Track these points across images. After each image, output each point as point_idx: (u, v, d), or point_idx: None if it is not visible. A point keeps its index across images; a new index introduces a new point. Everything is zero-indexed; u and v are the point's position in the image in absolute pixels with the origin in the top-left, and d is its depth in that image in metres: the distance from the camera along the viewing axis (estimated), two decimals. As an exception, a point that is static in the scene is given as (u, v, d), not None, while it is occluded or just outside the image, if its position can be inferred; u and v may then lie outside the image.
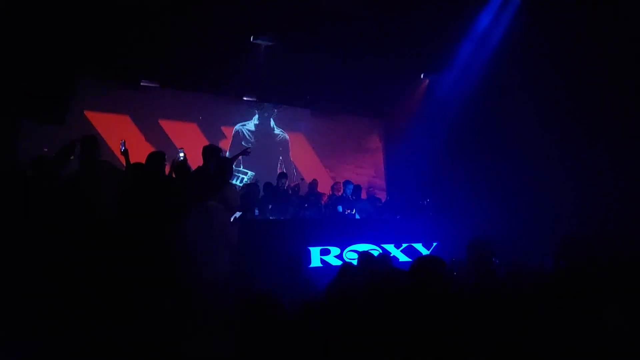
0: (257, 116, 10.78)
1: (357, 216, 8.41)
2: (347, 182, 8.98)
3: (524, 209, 8.48)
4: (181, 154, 5.67)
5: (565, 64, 7.99)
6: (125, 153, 5.78)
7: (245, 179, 10.09)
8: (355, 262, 4.99)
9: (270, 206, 8.03)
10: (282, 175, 8.87)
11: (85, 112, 8.93)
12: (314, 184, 9.27)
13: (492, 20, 8.77)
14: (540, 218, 8.11)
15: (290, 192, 8.81)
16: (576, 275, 3.33)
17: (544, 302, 2.75)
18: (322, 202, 8.83)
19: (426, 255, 3.13)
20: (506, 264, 4.32)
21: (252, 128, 10.74)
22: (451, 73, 9.62)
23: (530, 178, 8.63)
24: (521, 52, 8.50)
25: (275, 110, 10.96)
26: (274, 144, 10.99)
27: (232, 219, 4.82)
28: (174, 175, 5.60)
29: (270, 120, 10.93)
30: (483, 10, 8.71)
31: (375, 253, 7.16)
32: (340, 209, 8.49)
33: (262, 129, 10.87)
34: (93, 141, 5.38)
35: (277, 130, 11.02)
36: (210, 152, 5.82)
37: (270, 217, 7.86)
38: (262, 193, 8.34)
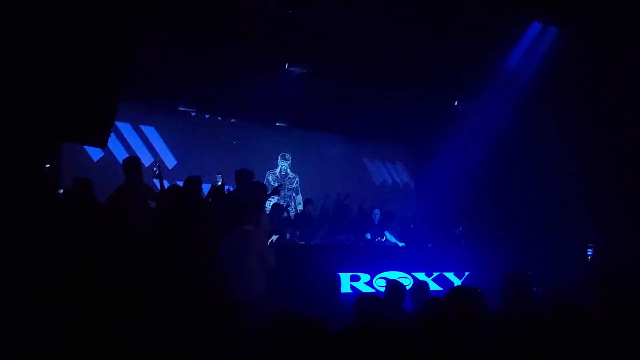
0: (279, 167, 11.10)
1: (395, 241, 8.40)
2: (374, 208, 8.99)
3: (557, 241, 8.35)
4: (219, 179, 5.80)
5: (601, 97, 7.95)
6: (159, 176, 5.93)
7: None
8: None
9: (298, 232, 8.10)
10: (308, 201, 8.96)
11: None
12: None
13: (529, 49, 8.75)
14: (574, 249, 7.98)
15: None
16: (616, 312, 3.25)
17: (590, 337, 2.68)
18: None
19: (461, 286, 3.11)
20: (547, 295, 4.26)
21: (278, 174, 11.05)
22: (485, 101, 9.60)
23: (562, 208, 8.52)
24: (556, 84, 8.47)
25: (290, 157, 11.19)
26: (289, 183, 11.24)
27: (269, 243, 4.89)
28: (210, 200, 5.72)
29: (287, 167, 11.21)
30: (520, 38, 8.71)
31: (407, 281, 7.20)
32: (368, 236, 8.51)
33: (283, 173, 11.16)
34: (134, 163, 5.53)
35: (291, 175, 11.25)
36: (243, 176, 5.93)
37: (300, 242, 7.92)
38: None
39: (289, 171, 11.13)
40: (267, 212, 7.02)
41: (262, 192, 5.84)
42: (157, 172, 5.90)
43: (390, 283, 5.02)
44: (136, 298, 2.75)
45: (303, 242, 7.94)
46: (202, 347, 2.63)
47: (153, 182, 6.11)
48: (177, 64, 8.17)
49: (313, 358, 2.06)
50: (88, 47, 3.80)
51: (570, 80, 8.26)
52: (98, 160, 8.94)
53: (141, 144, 9.44)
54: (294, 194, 10.99)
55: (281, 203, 10.03)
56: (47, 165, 5.17)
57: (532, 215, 8.85)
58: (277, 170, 10.98)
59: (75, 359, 2.25)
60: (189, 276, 4.38)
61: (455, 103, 10.70)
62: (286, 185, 10.98)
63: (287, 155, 11.13)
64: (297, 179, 11.18)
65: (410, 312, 5.22)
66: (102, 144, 4.57)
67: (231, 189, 6.24)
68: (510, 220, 9.06)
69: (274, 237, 5.00)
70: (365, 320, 3.24)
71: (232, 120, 10.40)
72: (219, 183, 5.99)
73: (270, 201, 8.47)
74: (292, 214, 9.33)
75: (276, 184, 10.83)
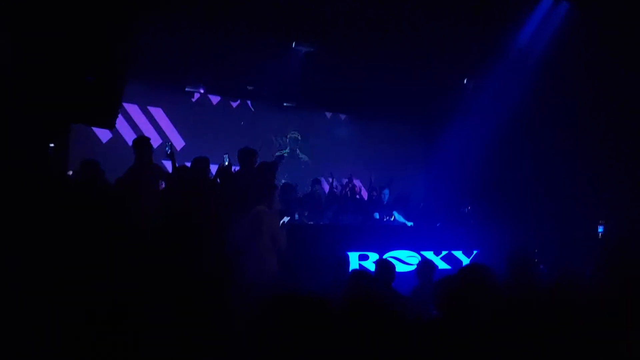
0: (288, 147, 11.10)
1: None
2: (383, 188, 8.98)
3: (568, 217, 8.32)
4: (226, 159, 5.80)
5: (613, 72, 7.83)
6: (171, 156, 5.93)
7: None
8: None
9: (306, 213, 8.12)
10: (316, 182, 8.97)
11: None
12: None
13: (539, 24, 8.61)
14: (583, 226, 7.95)
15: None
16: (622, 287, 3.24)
17: (590, 314, 2.68)
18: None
19: (473, 264, 3.10)
20: (554, 271, 4.25)
21: (285, 154, 10.93)
22: (495, 78, 9.48)
23: (573, 186, 8.47)
24: (567, 60, 8.35)
25: (300, 138, 11.16)
26: (298, 164, 11.21)
27: (280, 224, 4.90)
28: (218, 180, 5.73)
29: (296, 149, 11.20)
30: (531, 14, 8.55)
31: (415, 260, 7.22)
32: (377, 215, 8.52)
33: (292, 154, 11.16)
34: (145, 143, 5.54)
35: (301, 155, 11.24)
36: (247, 155, 5.92)
37: (309, 222, 7.94)
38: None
39: (298, 151, 11.11)
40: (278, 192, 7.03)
41: (272, 172, 5.84)
42: (168, 152, 5.91)
43: (380, 262, 5.06)
44: (147, 279, 2.77)
45: (312, 223, 7.96)
46: (213, 328, 2.66)
47: (162, 162, 6.14)
48: (183, 45, 8.14)
49: (314, 333, 2.06)
50: (95, 28, 3.78)
51: (582, 56, 8.13)
52: (107, 142, 8.98)
53: (149, 126, 9.46)
54: (302, 175, 10.99)
55: (290, 182, 10.04)
56: (52, 145, 5.18)
57: (542, 193, 8.80)
58: (286, 150, 10.96)
59: (86, 338, 2.28)
60: (201, 257, 4.40)
61: (465, 81, 10.59)
62: (294, 166, 10.98)
63: (296, 134, 11.10)
64: (306, 159, 11.16)
65: (413, 289, 5.26)
66: (110, 125, 4.57)
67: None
68: (519, 199, 9.02)
69: (286, 219, 5.02)
70: (357, 295, 3.27)
71: (240, 100, 10.38)
72: (226, 163, 5.98)
73: (281, 181, 8.47)
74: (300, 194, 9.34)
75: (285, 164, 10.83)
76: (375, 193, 9.12)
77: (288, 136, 11.05)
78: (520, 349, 2.25)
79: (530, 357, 2.25)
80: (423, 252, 7.67)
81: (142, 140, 5.68)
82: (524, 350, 2.26)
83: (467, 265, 2.69)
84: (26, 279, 2.89)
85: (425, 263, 5.76)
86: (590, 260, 6.07)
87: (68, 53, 3.75)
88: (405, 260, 7.45)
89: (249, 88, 9.83)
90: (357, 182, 10.71)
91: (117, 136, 8.98)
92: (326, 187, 9.77)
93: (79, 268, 3.04)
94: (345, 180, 9.53)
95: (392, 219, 8.41)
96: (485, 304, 2.37)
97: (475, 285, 2.44)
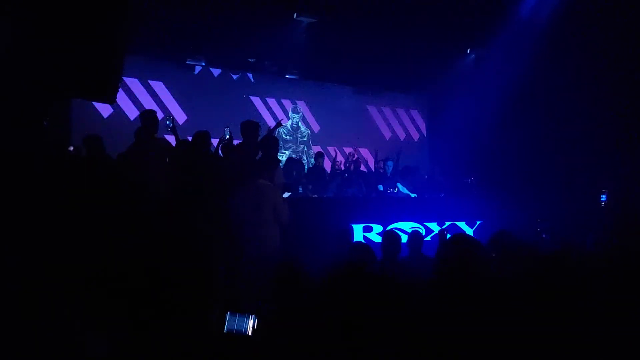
0: (291, 120, 11.00)
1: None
2: (387, 160, 8.96)
3: (570, 186, 8.31)
4: (227, 132, 5.76)
5: (618, 41, 7.71)
6: (173, 130, 5.90)
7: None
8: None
9: (310, 186, 8.12)
10: (320, 155, 8.94)
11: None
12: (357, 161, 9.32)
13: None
14: (586, 195, 7.94)
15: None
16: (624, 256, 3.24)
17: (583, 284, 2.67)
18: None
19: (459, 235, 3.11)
20: (557, 241, 4.26)
21: (289, 127, 10.96)
22: (500, 48, 9.35)
23: (575, 154, 8.43)
24: (571, 29, 8.21)
25: (301, 111, 11.10)
26: (302, 136, 11.14)
27: (283, 197, 4.90)
28: (220, 153, 5.71)
29: (299, 121, 11.12)
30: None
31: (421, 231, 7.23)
32: (381, 187, 8.51)
33: (294, 126, 11.08)
34: (151, 117, 5.50)
35: (303, 129, 11.16)
36: (250, 128, 5.87)
37: (313, 195, 7.94)
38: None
39: (300, 124, 11.06)
40: (282, 166, 7.02)
41: (275, 146, 5.81)
42: (170, 126, 5.87)
43: (386, 233, 5.08)
44: (149, 252, 2.78)
45: (316, 196, 7.97)
46: (213, 301, 2.67)
47: (165, 137, 6.10)
48: (183, 17, 8.02)
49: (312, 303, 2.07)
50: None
51: (587, 25, 7.99)
52: (108, 117, 8.95)
53: (150, 100, 9.40)
54: (305, 148, 10.96)
55: (293, 156, 10.04)
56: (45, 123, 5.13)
57: (545, 163, 8.77)
58: (289, 124, 10.91)
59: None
60: (202, 230, 4.41)
61: (468, 51, 10.46)
62: (298, 138, 10.95)
63: (299, 108, 11.04)
64: (309, 132, 11.12)
65: (401, 259, 5.26)
66: (111, 99, 4.54)
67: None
68: (522, 169, 8.99)
69: (287, 194, 5.01)
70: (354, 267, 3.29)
71: (241, 73, 10.28)
72: (227, 136, 5.95)
73: (284, 154, 8.46)
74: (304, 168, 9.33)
75: (289, 138, 10.79)
76: (380, 166, 9.12)
77: (291, 109, 10.98)
78: (521, 314, 2.25)
79: (530, 323, 2.25)
80: (427, 223, 7.70)
81: (147, 114, 5.64)
82: (525, 315, 2.27)
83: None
84: (33, 257, 2.91)
85: (415, 234, 5.81)
86: (592, 229, 6.08)
87: (65, 24, 3.69)
88: (408, 231, 7.48)
89: (251, 60, 9.73)
90: (363, 151, 10.73)
91: (118, 111, 8.93)
92: (329, 163, 9.74)
93: (77, 239, 3.03)
94: (350, 152, 9.53)
95: (396, 191, 8.41)
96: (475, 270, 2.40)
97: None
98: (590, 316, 2.24)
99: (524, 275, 2.74)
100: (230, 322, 3.15)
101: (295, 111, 11.01)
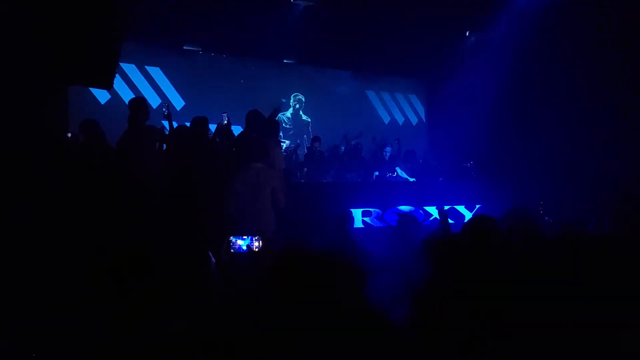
0: (291, 109, 10.96)
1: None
2: (386, 145, 8.96)
3: (572, 169, 8.29)
4: (225, 118, 5.75)
5: (620, 26, 7.66)
6: (168, 117, 5.87)
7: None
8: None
9: (305, 169, 8.11)
10: (316, 139, 8.91)
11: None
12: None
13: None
14: (587, 179, 7.94)
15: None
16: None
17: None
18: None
19: (478, 215, 3.09)
20: (560, 224, 4.26)
21: (289, 115, 10.91)
22: (498, 31, 9.29)
23: (576, 138, 8.41)
24: (572, 13, 8.15)
25: (304, 100, 11.03)
26: (302, 125, 11.07)
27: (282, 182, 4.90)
28: (217, 139, 5.70)
29: (300, 109, 11.06)
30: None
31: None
32: (377, 173, 8.53)
33: (295, 115, 11.02)
34: (141, 105, 5.47)
35: (304, 117, 11.10)
36: (256, 118, 5.85)
37: (310, 180, 7.95)
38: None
39: (301, 112, 11.00)
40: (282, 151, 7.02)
41: (276, 130, 5.80)
42: (166, 113, 5.84)
43: (401, 215, 5.09)
44: (147, 237, 2.79)
45: (314, 180, 7.97)
46: (211, 286, 2.68)
47: (162, 123, 6.07)
48: (180, 2, 7.96)
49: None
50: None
51: (588, 8, 7.93)
52: (105, 103, 8.91)
53: (147, 86, 9.36)
54: (304, 136, 10.91)
55: (292, 145, 9.99)
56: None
57: (545, 146, 8.75)
58: (289, 112, 10.86)
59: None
60: (200, 217, 4.43)
61: (467, 33, 10.39)
62: (299, 127, 10.91)
63: (300, 96, 10.98)
64: (310, 121, 11.05)
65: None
66: (108, 85, 4.52)
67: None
68: (522, 151, 8.98)
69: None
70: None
71: (239, 58, 10.22)
72: (225, 122, 5.93)
73: (284, 143, 8.45)
74: (303, 154, 9.29)
75: (289, 126, 10.75)
76: (378, 151, 9.12)
77: (292, 97, 10.92)
78: (524, 298, 2.26)
79: (533, 307, 2.26)
80: (426, 207, 7.71)
81: (136, 101, 5.59)
82: (527, 299, 2.28)
83: (474, 217, 2.72)
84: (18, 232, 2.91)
85: (404, 216, 5.84)
86: (594, 212, 6.10)
87: (62, 11, 3.67)
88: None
89: (248, 45, 9.66)
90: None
91: (115, 97, 8.89)
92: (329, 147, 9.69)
93: (75, 223, 3.03)
94: (348, 138, 9.52)
95: (394, 175, 8.42)
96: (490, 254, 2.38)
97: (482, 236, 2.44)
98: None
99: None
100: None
101: (296, 99, 10.96)
